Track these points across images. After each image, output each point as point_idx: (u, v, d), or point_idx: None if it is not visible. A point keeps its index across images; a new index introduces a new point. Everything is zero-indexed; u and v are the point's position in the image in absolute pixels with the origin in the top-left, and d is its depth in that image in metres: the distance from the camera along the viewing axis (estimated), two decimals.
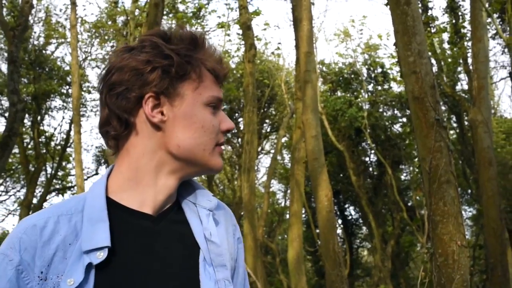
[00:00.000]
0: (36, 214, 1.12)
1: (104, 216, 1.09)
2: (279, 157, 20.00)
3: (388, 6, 4.45)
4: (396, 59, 18.76)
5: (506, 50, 16.35)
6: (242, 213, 18.10)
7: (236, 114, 19.19)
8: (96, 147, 22.34)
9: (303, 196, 12.13)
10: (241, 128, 18.87)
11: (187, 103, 1.13)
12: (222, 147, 1.18)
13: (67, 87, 19.37)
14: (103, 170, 23.17)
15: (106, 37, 17.85)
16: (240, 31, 15.07)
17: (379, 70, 19.16)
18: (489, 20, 12.98)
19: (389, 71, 18.96)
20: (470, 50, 14.16)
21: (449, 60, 17.30)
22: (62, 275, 1.04)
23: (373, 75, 19.18)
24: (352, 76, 19.37)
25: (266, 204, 15.80)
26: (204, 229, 1.16)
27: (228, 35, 23.06)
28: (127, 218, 1.12)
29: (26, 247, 1.06)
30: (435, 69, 16.36)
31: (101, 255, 1.04)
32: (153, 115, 1.11)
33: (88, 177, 21.07)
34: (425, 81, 4.02)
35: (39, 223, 1.08)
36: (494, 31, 16.05)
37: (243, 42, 16.63)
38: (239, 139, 19.05)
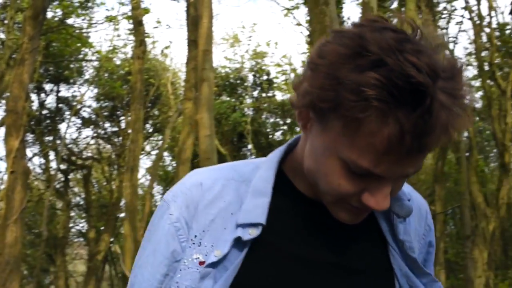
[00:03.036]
0: (207, 170, 1.01)
1: (268, 189, 0.95)
2: None
3: (306, 6, 4.52)
4: (282, 68, 19.31)
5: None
6: (119, 215, 17.50)
7: (118, 112, 18.55)
8: None
9: None
10: (122, 127, 18.25)
11: None
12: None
13: None
14: None
15: None
16: (130, 26, 14.61)
17: (265, 77, 19.52)
18: None
19: (274, 79, 19.41)
20: None
21: None
22: (216, 245, 0.93)
23: (258, 82, 19.50)
24: (238, 81, 19.56)
25: (148, 205, 15.39)
26: (399, 240, 0.98)
27: (117, 29, 22.19)
28: (296, 199, 0.97)
29: (188, 205, 0.95)
30: None
31: (253, 232, 0.91)
32: None
33: None
34: None
35: (206, 183, 0.96)
36: None
37: (130, 38, 16.15)
38: (120, 138, 18.40)
